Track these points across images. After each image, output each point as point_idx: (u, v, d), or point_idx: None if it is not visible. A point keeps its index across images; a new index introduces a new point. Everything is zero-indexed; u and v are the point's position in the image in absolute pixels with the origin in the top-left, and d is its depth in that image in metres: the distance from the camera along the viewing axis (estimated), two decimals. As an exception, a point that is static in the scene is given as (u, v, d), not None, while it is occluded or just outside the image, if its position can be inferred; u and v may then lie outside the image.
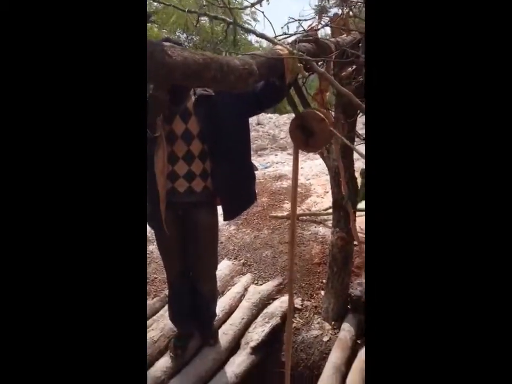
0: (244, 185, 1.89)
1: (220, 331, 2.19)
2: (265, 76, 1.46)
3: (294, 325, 2.41)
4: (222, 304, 2.40)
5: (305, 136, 1.59)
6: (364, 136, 1.79)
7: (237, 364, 2.04)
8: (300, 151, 1.56)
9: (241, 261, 2.95)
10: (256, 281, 2.74)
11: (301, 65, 1.44)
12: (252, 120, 7.31)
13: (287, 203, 3.84)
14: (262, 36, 1.60)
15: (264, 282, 2.72)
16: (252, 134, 6.54)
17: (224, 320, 2.32)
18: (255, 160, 5.28)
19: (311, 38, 1.72)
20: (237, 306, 2.45)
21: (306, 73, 1.48)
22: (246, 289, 2.61)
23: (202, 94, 1.74)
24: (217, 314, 2.30)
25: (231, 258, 3.01)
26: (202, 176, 1.81)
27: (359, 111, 1.78)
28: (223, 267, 2.79)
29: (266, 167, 5.05)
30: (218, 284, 2.61)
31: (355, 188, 1.79)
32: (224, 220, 1.94)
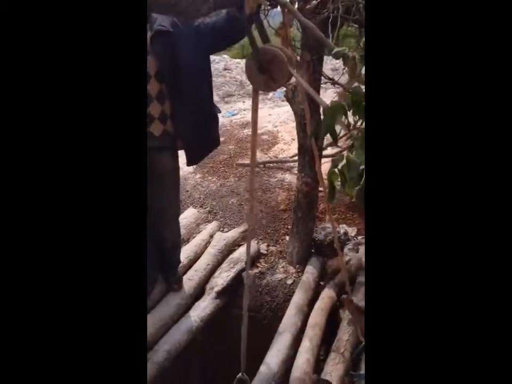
0: (206, 128, 1.82)
1: (185, 277, 2.19)
2: (222, 4, 1.35)
3: (259, 269, 2.44)
4: (186, 252, 2.39)
5: (262, 75, 1.51)
6: (332, 80, 1.72)
7: (202, 307, 2.06)
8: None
9: (207, 209, 2.92)
10: (221, 229, 2.72)
11: (262, -3, 1.34)
12: (219, 65, 7.02)
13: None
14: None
15: (230, 229, 2.71)
16: (219, 79, 6.30)
17: (189, 267, 2.31)
18: (222, 108, 5.12)
19: (274, -35, 1.59)
20: (202, 253, 2.44)
21: (268, 2, 1.37)
22: (211, 237, 2.59)
23: (159, 30, 1.61)
24: (182, 261, 2.29)
25: (196, 206, 2.97)
26: (161, 119, 1.72)
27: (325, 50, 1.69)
28: (189, 215, 2.76)
29: (233, 114, 4.92)
30: (183, 231, 2.58)
31: (319, 126, 1.74)
32: (188, 165, 1.88)
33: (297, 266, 2.42)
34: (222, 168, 3.49)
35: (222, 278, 2.25)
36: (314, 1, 1.69)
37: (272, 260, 2.51)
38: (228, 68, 6.88)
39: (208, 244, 2.53)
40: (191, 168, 3.55)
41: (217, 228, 2.72)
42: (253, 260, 2.48)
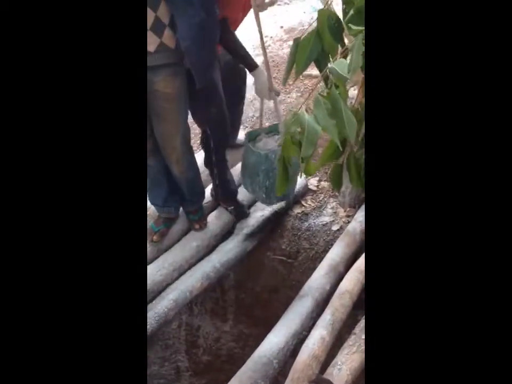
0: (215, 40, 1.40)
1: (212, 215, 1.95)
2: None
3: (302, 209, 2.09)
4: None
5: None
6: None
7: (225, 251, 1.83)
8: None
9: (258, 131, 2.55)
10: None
11: None
12: None
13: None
14: None
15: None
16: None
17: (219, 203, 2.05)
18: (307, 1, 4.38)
19: None
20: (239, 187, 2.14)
21: None
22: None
23: None
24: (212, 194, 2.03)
25: (247, 127, 2.61)
26: (155, 29, 1.33)
27: None
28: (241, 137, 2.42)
29: (314, 11, 4.18)
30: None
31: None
32: (198, 86, 1.50)
33: (348, 209, 2.02)
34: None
35: (254, 218, 1.97)
36: None
37: (321, 199, 2.13)
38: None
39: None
40: (251, 81, 3.14)
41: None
42: (298, 197, 2.12)
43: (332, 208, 2.08)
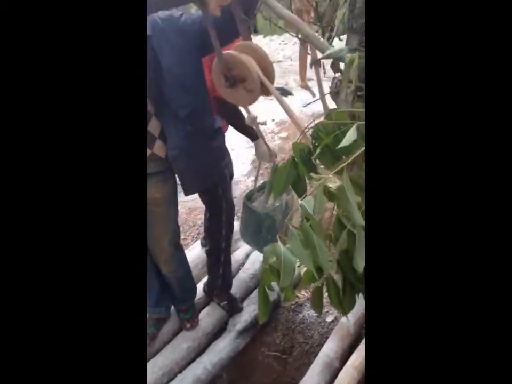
0: (206, 148, 1.49)
1: (203, 312, 1.92)
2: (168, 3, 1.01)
3: (295, 300, 2.08)
4: (214, 276, 2.11)
5: (228, 83, 1.15)
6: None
7: (217, 351, 1.78)
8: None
9: (249, 221, 2.60)
10: (260, 246, 2.40)
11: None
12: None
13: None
14: None
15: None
16: (298, 63, 5.85)
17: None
18: (297, 94, 4.70)
19: None
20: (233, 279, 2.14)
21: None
22: (247, 257, 2.28)
23: None
24: (204, 290, 2.02)
25: (239, 217, 2.67)
26: (163, 137, 1.43)
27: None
28: (225, 230, 2.47)
29: (306, 105, 4.47)
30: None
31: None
32: (185, 195, 1.58)
33: (341, 300, 2.00)
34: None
35: (248, 312, 1.94)
36: None
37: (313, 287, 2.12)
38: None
39: (241, 267, 2.22)
40: (245, 170, 3.27)
41: (256, 246, 2.39)
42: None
43: (325, 297, 2.06)
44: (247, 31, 1.19)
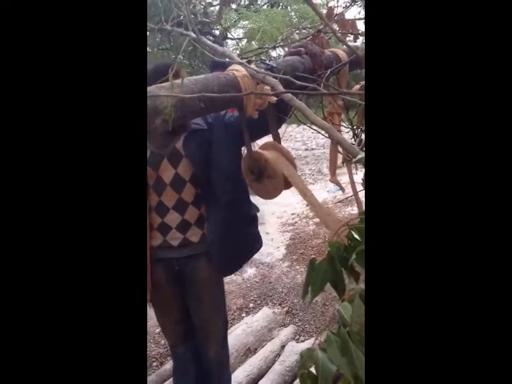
0: (241, 234, 1.55)
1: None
2: (211, 109, 1.12)
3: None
4: (249, 368, 2.05)
5: (254, 177, 1.23)
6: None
7: None
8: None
9: (285, 309, 2.55)
10: (297, 337, 2.32)
11: (268, 89, 1.07)
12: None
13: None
14: (222, 54, 1.26)
15: (307, 338, 2.29)
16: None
17: (248, 389, 1.95)
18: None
19: (301, 49, 1.32)
20: (268, 371, 2.06)
21: (275, 99, 1.10)
22: (283, 347, 2.20)
23: (194, 129, 1.44)
24: (241, 381, 1.96)
25: (275, 304, 2.63)
26: (199, 224, 1.51)
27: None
28: (261, 317, 2.43)
29: (339, 189, 4.54)
30: (252, 338, 2.28)
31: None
32: (219, 276, 1.62)
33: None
34: (314, 255, 3.11)
35: (284, 410, 1.83)
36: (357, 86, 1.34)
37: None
38: (341, 135, 6.61)
39: (277, 357, 2.15)
40: (280, 254, 3.28)
41: (292, 335, 2.32)
42: None
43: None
44: (277, 131, 1.30)
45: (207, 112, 1.26)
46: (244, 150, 1.52)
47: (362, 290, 0.58)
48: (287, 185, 1.30)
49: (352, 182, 1.40)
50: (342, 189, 1.49)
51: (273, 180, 1.24)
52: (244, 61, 1.16)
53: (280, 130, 1.40)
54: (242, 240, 1.55)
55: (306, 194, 1.12)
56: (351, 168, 1.43)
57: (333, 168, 1.46)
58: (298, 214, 3.91)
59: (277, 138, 1.34)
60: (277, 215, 3.89)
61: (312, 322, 2.41)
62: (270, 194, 1.31)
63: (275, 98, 1.10)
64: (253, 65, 1.14)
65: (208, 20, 6.45)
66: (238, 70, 1.09)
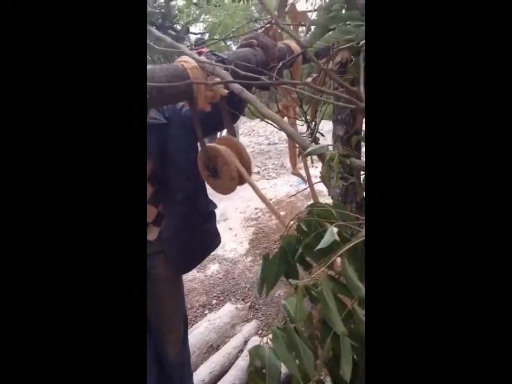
0: (200, 231, 1.52)
1: (199, 405, 1.81)
2: (158, 101, 1.08)
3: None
4: (212, 364, 2.03)
5: (210, 173, 1.22)
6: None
7: None
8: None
9: (248, 304, 2.55)
10: (260, 331, 2.32)
11: (218, 81, 1.04)
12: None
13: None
14: (171, 44, 1.22)
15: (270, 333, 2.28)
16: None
17: (210, 387, 1.93)
18: (290, 176, 4.83)
19: (253, 41, 1.30)
20: (231, 367, 2.04)
21: (226, 91, 1.07)
22: (246, 343, 2.20)
23: (151, 124, 1.38)
24: (203, 379, 1.94)
25: (238, 299, 2.62)
26: (156, 222, 1.47)
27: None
28: (224, 313, 2.41)
29: (300, 183, 4.58)
30: (215, 335, 2.25)
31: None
32: (176, 273, 1.59)
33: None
34: (276, 250, 3.12)
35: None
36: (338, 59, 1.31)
37: None
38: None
39: (240, 353, 2.13)
40: (244, 250, 3.26)
41: (255, 330, 2.32)
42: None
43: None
44: (232, 126, 1.27)
45: (154, 104, 1.22)
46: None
47: (306, 284, 0.57)
48: (242, 180, 1.29)
49: (308, 175, 1.41)
50: (304, 180, 1.48)
51: (228, 175, 1.23)
52: (194, 52, 1.13)
53: (246, 126, 1.37)
54: (199, 236, 1.52)
55: (255, 189, 1.11)
56: (306, 160, 1.43)
57: (293, 161, 1.45)
58: (261, 209, 3.91)
59: (232, 132, 1.32)
60: (240, 210, 3.87)
61: (275, 317, 2.41)
62: (226, 190, 1.29)
63: (226, 91, 1.07)
64: (203, 57, 1.11)
65: (166, 12, 6.29)
66: (187, 61, 1.05)
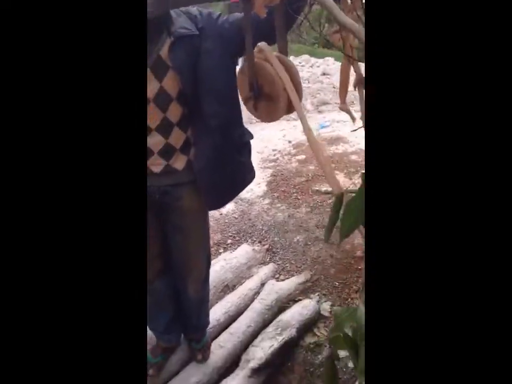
0: (234, 163, 1.36)
1: (215, 342, 1.76)
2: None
3: (314, 339, 1.91)
4: (226, 305, 1.96)
5: (254, 98, 1.04)
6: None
7: (228, 389, 1.61)
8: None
9: (265, 246, 2.46)
10: (277, 275, 2.24)
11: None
12: (318, 69, 6.49)
13: (339, 174, 3.22)
14: None
15: (288, 277, 2.21)
16: (315, 85, 5.77)
17: (225, 326, 1.88)
18: (315, 118, 4.61)
19: None
20: (247, 308, 1.98)
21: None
22: (262, 285, 2.12)
23: (182, 35, 1.18)
24: (218, 318, 1.88)
25: (254, 241, 2.53)
26: (184, 149, 1.31)
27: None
28: (240, 254, 2.32)
29: (324, 127, 4.36)
30: (231, 275, 2.18)
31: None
32: (208, 209, 1.47)
33: (365, 342, 1.84)
34: (295, 194, 2.99)
35: (262, 349, 1.77)
36: None
37: (334, 326, 1.96)
38: (327, 72, 6.29)
39: (256, 296, 2.07)
40: (261, 191, 3.14)
41: (272, 274, 2.24)
42: (310, 324, 1.96)
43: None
44: (285, 39, 1.08)
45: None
46: (239, 62, 1.30)
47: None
48: (290, 108, 1.11)
49: (364, 111, 1.22)
50: (353, 118, 1.30)
51: (277, 97, 1.05)
52: None
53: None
54: (234, 169, 1.37)
55: (303, 121, 0.93)
56: (363, 93, 1.24)
57: (344, 93, 1.26)
58: (280, 151, 3.73)
59: (284, 49, 1.12)
60: (257, 149, 3.70)
61: (293, 262, 2.33)
62: (270, 114, 1.12)
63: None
64: None
65: None
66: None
